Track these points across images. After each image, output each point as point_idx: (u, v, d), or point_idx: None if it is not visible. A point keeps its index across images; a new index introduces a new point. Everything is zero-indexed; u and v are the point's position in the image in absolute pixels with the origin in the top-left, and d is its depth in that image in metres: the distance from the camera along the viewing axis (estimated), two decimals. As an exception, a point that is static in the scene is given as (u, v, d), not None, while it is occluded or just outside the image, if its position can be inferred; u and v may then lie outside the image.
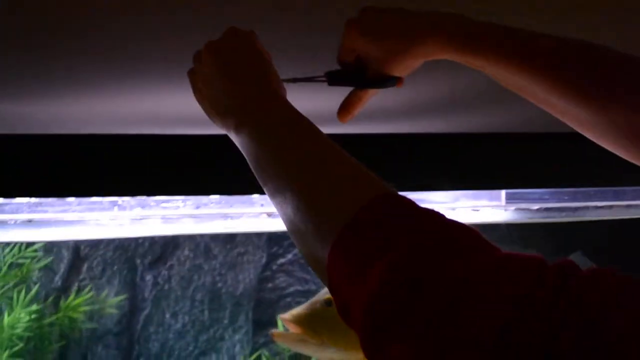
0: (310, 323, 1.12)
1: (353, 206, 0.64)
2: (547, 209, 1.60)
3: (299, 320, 1.13)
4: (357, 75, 0.86)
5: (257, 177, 0.76)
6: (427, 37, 0.81)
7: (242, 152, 0.78)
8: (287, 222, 0.71)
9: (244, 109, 0.79)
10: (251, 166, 0.76)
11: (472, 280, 0.55)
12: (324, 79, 0.87)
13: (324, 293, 1.15)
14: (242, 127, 0.78)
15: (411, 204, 0.64)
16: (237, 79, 0.81)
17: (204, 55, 0.83)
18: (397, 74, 0.85)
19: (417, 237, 0.60)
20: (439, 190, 1.52)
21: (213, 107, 0.82)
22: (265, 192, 0.74)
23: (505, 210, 1.60)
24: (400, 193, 0.65)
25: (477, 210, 1.59)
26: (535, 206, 1.60)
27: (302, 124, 0.76)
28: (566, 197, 1.58)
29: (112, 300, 2.49)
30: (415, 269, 0.57)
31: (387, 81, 0.85)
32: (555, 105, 0.80)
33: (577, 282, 0.53)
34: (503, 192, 1.58)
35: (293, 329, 1.13)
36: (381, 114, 1.36)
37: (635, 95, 0.75)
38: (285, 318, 1.15)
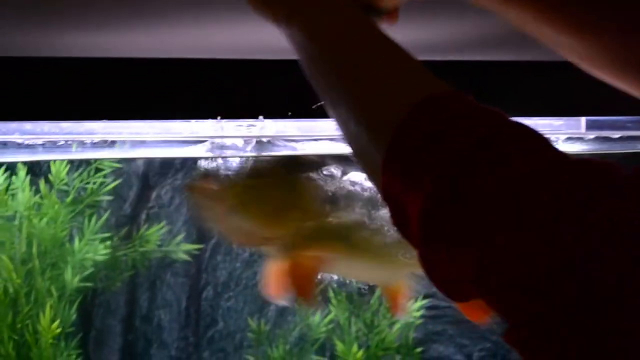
0: (227, 184, 1.10)
1: (408, 106, 0.61)
2: (629, 138, 1.56)
3: (218, 179, 1.11)
4: None
5: (308, 74, 0.72)
6: None
7: (293, 47, 0.74)
8: (340, 122, 0.69)
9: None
10: (302, 63, 0.73)
11: (534, 182, 0.54)
12: None
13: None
14: (292, 20, 0.74)
15: (469, 102, 0.62)
16: None
17: None
18: (385, 5, 0.81)
19: (474, 137, 0.58)
20: (516, 117, 1.49)
21: None
22: (317, 91, 0.71)
23: (585, 138, 1.56)
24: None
25: (556, 139, 1.55)
26: (617, 134, 1.56)
27: (357, 18, 0.73)
28: (650, 125, 1.54)
29: (184, 246, 2.49)
30: (472, 171, 0.56)
31: (370, 13, 0.82)
32: (549, 36, 0.78)
33: None
34: (583, 120, 1.54)
35: (209, 186, 1.11)
36: (453, 42, 1.33)
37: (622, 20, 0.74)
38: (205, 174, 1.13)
